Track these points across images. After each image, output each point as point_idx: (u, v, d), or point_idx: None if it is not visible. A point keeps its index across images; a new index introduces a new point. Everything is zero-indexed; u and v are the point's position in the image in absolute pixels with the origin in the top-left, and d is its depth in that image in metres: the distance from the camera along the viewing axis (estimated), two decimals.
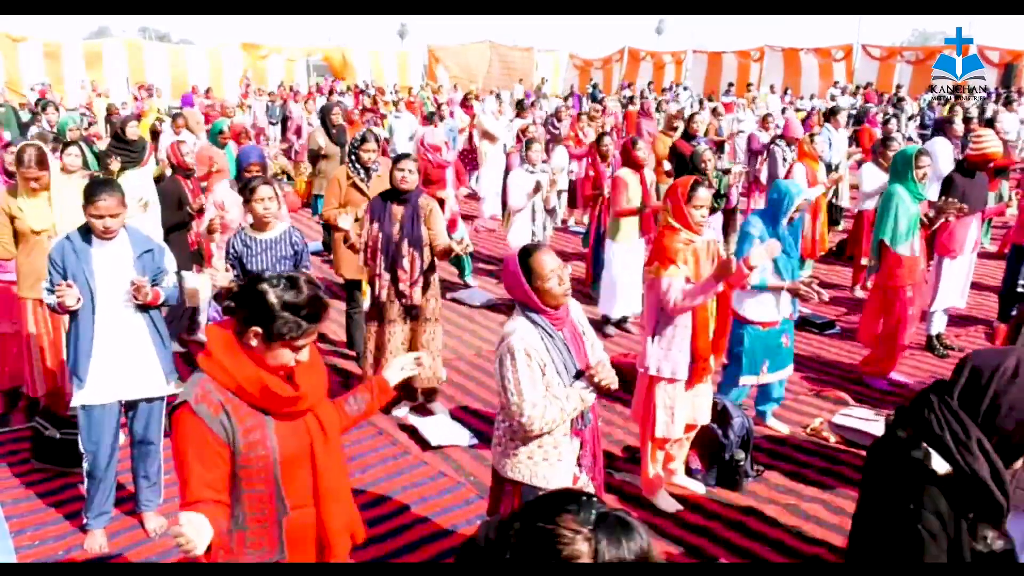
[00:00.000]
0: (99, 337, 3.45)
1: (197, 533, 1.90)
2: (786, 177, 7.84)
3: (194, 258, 5.86)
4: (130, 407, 3.64)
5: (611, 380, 2.69)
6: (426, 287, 4.76)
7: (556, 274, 2.68)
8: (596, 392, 2.73)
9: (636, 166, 6.31)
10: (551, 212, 6.88)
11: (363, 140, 5.63)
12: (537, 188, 6.64)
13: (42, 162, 4.41)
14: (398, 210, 4.68)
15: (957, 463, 1.69)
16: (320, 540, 2.28)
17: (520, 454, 2.78)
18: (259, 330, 2.07)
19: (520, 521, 1.24)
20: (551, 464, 2.77)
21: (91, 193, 3.35)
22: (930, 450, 1.72)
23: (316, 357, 2.30)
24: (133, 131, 6.81)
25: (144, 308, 3.53)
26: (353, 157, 5.59)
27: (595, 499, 1.24)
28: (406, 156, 4.83)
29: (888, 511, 1.80)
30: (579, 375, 2.73)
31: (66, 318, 3.56)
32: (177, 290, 3.72)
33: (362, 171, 5.55)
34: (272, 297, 2.05)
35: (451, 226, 7.54)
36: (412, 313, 4.74)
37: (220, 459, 2.10)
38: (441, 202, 7.49)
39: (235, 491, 2.16)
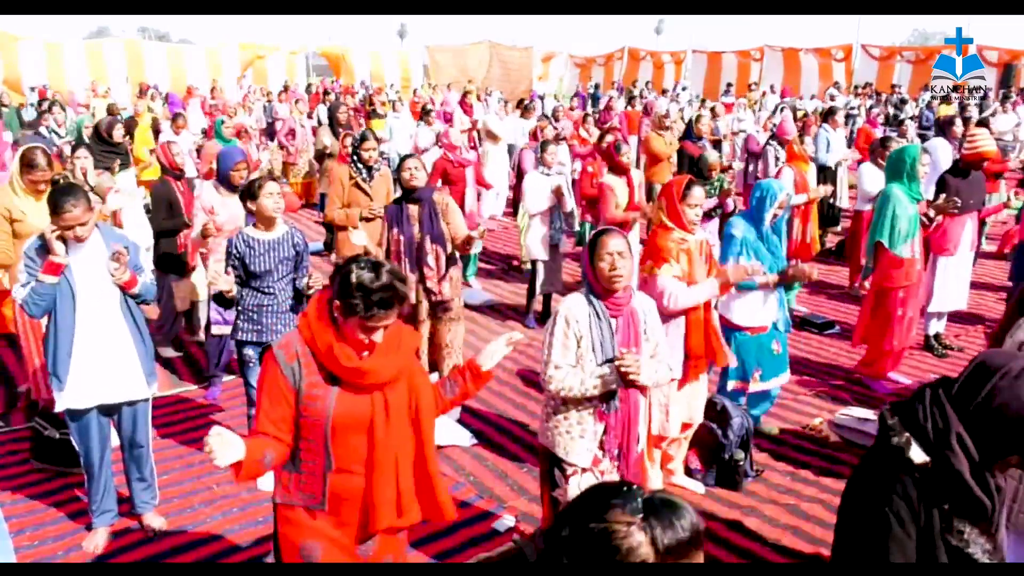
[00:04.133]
0: (80, 338, 3.36)
1: (223, 445, 2.08)
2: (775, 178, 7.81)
3: (180, 263, 5.67)
4: (114, 410, 3.58)
5: (633, 370, 2.76)
6: (450, 283, 4.79)
7: (612, 256, 2.81)
8: (622, 380, 2.80)
9: (621, 171, 6.16)
10: (569, 215, 6.74)
11: (363, 139, 5.64)
12: (559, 192, 6.56)
13: (51, 164, 4.41)
14: (414, 210, 4.71)
15: (935, 454, 1.70)
16: (366, 507, 2.38)
17: (549, 422, 2.96)
18: (338, 303, 2.23)
19: (569, 525, 1.23)
20: (573, 438, 2.90)
21: (57, 205, 3.20)
22: (911, 439, 1.74)
23: (405, 341, 2.40)
24: (119, 133, 6.81)
25: (126, 305, 3.46)
26: (355, 157, 5.60)
27: (634, 487, 1.24)
28: (409, 156, 4.87)
29: (861, 496, 1.83)
30: (610, 361, 2.81)
31: (44, 319, 3.46)
32: (155, 286, 3.65)
33: (364, 171, 5.56)
34: (352, 276, 2.20)
35: (469, 219, 7.58)
36: (439, 311, 4.74)
37: (285, 401, 2.29)
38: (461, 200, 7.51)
39: (296, 436, 2.34)
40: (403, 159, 4.82)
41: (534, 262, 6.66)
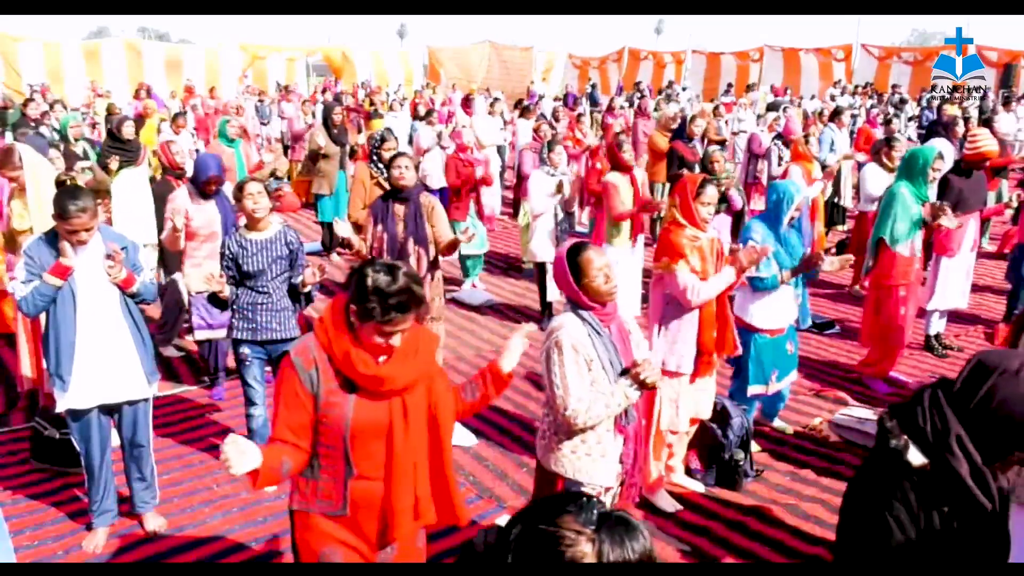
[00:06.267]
0: (81, 338, 3.37)
1: (239, 453, 2.07)
2: (782, 178, 7.81)
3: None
4: (115, 410, 3.58)
5: (656, 378, 2.70)
6: (431, 285, 4.75)
7: (603, 272, 2.73)
8: (641, 389, 2.73)
9: (624, 168, 6.13)
10: (570, 215, 6.71)
11: (383, 140, 5.70)
12: (559, 189, 6.53)
13: (18, 160, 4.36)
14: (400, 209, 4.68)
15: (934, 457, 1.69)
16: (385, 514, 2.35)
17: (564, 448, 2.81)
18: (355, 307, 2.21)
19: (521, 524, 1.21)
20: (594, 460, 2.78)
21: (63, 210, 3.22)
22: (909, 442, 1.73)
23: (423, 345, 2.38)
24: (128, 130, 6.82)
25: (126, 305, 3.45)
26: (375, 157, 5.64)
27: (595, 500, 1.23)
28: (402, 154, 4.82)
29: (862, 500, 1.81)
30: (624, 372, 2.74)
31: (42, 318, 3.46)
32: (154, 286, 3.64)
33: (385, 170, 5.61)
34: (368, 280, 2.17)
35: (488, 222, 7.63)
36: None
37: (303, 408, 2.27)
38: (478, 199, 7.60)
39: (315, 442, 2.32)
40: (394, 157, 4.74)
41: (540, 264, 6.59)
